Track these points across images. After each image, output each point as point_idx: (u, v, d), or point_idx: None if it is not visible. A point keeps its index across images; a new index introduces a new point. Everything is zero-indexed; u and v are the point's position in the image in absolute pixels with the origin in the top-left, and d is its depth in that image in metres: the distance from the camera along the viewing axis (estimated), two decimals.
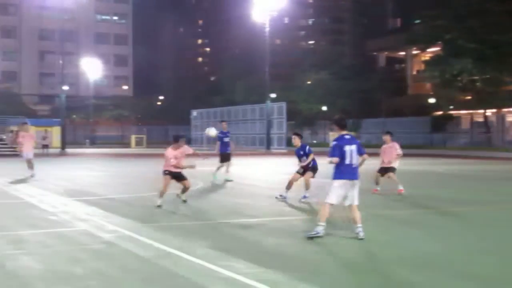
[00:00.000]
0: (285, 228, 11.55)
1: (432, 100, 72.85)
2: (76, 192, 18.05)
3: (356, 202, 10.30)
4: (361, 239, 10.09)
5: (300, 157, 15.76)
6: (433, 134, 69.57)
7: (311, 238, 10.09)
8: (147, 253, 8.99)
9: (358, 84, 79.52)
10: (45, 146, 49.26)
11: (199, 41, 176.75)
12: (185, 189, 15.02)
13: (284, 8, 64.09)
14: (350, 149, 10.20)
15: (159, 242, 9.77)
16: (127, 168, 32.06)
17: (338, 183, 10.18)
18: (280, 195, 15.87)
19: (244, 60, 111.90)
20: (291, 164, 34.10)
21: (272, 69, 68.10)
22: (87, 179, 23.90)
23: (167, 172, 14.56)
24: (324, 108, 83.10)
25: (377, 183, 17.99)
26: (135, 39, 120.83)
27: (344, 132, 10.41)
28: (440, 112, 72.28)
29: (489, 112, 65.65)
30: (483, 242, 10.32)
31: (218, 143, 22.41)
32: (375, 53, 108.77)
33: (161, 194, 14.60)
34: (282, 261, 8.53)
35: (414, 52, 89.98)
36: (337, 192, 10.17)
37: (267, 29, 61.70)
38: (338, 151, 10.18)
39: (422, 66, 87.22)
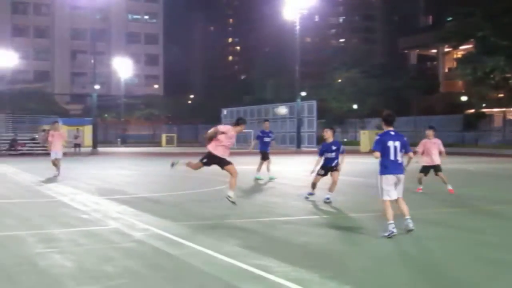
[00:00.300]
0: (316, 226, 11.50)
1: (464, 98, 72.14)
2: (107, 191, 18.18)
3: (400, 195, 10.51)
4: (411, 230, 10.27)
5: (329, 152, 15.08)
6: (465, 133, 68.84)
7: (388, 237, 10.09)
8: (177, 251, 9.01)
9: (389, 82, 78.93)
10: (77, 145, 49.71)
11: (229, 40, 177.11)
12: (232, 183, 13.52)
13: (314, 6, 63.91)
14: (394, 145, 10.40)
15: (189, 240, 9.78)
16: (158, 167, 32.21)
17: (384, 178, 10.40)
18: (309, 194, 15.78)
19: (274, 58, 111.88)
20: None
21: (303, 68, 67.92)
22: (118, 178, 24.08)
23: (205, 161, 13.58)
24: (355, 106, 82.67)
25: (420, 182, 17.87)
26: (166, 39, 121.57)
27: (390, 128, 10.60)
28: (472, 110, 71.47)
29: None
30: None
31: (256, 141, 22.39)
32: (406, 51, 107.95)
33: (188, 165, 14.35)
34: (313, 260, 8.48)
35: (446, 49, 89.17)
36: (386, 187, 10.38)
37: (298, 28, 61.55)
38: (379, 146, 10.43)
39: (454, 64, 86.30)
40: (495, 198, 16.85)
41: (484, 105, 69.72)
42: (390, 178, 10.36)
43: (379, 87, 78.35)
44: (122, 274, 7.65)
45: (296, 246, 9.52)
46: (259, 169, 21.93)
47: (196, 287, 7.13)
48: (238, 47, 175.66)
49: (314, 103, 63.56)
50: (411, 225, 10.33)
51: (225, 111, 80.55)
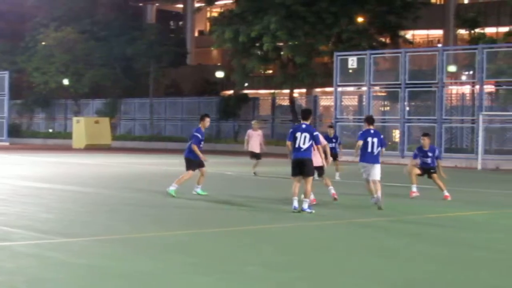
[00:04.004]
0: (8, 258, 11.30)
1: (220, 74, 73.73)
2: None
3: (373, 178, 19.02)
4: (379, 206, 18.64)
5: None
6: (222, 122, 69.96)
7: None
8: None
9: (117, 48, 78.72)
10: None
11: None
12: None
13: None
14: (372, 141, 18.93)
15: None
16: None
17: (361, 165, 19.47)
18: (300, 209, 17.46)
19: None
20: (13, 164, 33.53)
21: None
22: None
23: None
24: (66, 81, 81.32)
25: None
26: None
27: (371, 127, 19.36)
28: (231, 92, 73.31)
29: (297, 92, 67.79)
30: None
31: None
32: (141, 4, 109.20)
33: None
34: None
35: (198, 4, 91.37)
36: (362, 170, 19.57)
37: None
38: (362, 137, 19.30)
39: (208, 26, 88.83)
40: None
41: (246, 84, 71.57)
42: (365, 166, 19.05)
43: (103, 54, 78.02)
44: None
45: None
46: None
47: None
48: None
49: (6, 75, 62.39)
50: (378, 202, 18.59)
51: None
